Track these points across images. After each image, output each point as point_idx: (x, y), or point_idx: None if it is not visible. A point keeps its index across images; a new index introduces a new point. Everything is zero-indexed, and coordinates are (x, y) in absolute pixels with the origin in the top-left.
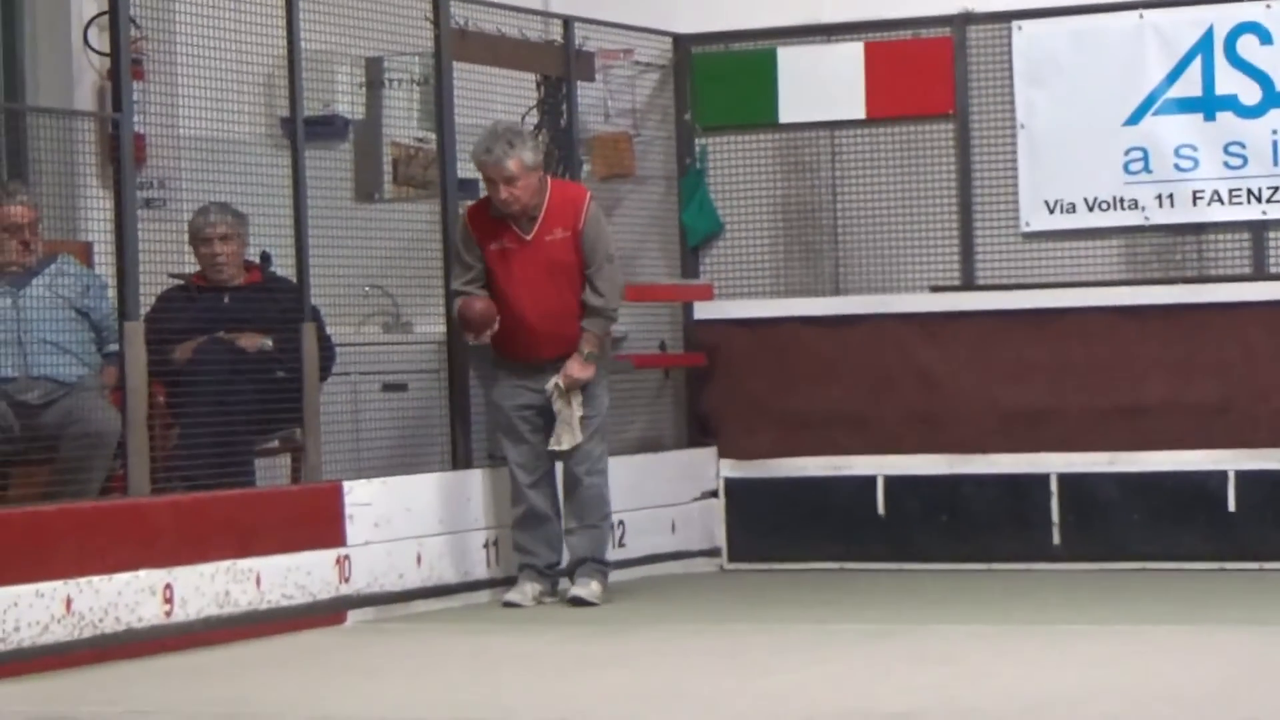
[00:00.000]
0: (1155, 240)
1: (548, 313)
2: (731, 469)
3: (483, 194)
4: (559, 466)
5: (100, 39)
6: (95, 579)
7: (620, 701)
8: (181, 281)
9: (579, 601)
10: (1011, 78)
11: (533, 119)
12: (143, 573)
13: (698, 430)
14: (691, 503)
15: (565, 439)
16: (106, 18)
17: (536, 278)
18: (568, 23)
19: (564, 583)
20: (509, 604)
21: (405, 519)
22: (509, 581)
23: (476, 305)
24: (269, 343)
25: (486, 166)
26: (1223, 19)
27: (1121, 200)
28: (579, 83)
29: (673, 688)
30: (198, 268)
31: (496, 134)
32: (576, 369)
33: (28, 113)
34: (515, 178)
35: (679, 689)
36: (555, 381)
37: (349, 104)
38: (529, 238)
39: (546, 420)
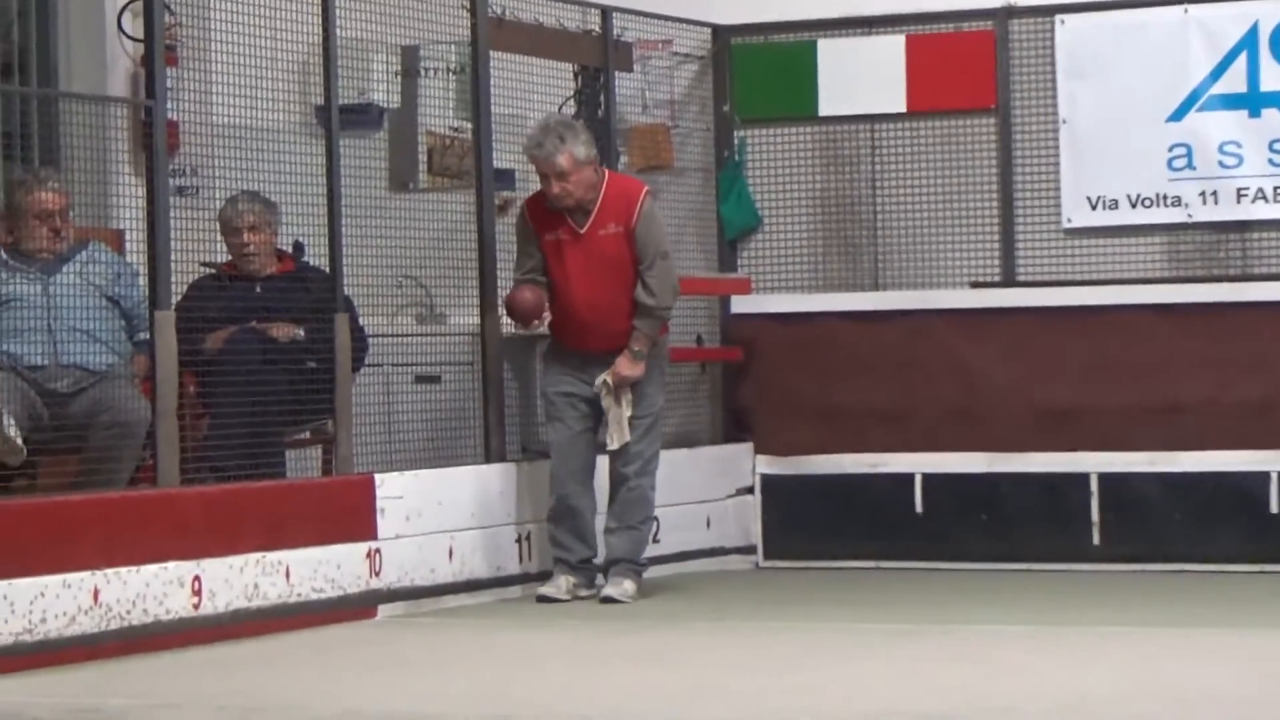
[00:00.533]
0: (1198, 238)
1: (599, 307)
2: (767, 465)
3: (525, 188)
4: (603, 462)
5: (134, 25)
6: (123, 570)
7: (652, 699)
8: (213, 270)
9: (611, 600)
10: (1054, 72)
11: (570, 109)
12: (171, 564)
13: (733, 426)
14: (726, 499)
15: (615, 437)
16: (140, 3)
17: (589, 271)
18: (606, 13)
19: (601, 577)
20: (543, 598)
21: (437, 512)
22: (542, 576)
23: (524, 294)
24: (301, 333)
25: (538, 161)
26: (1268, 15)
27: (1165, 197)
28: (617, 73)
29: (705, 685)
30: (229, 256)
31: (548, 128)
32: (625, 367)
33: (60, 99)
34: (566, 172)
35: (711, 686)
36: (604, 379)
37: (384, 92)
38: (582, 231)
39: (594, 411)
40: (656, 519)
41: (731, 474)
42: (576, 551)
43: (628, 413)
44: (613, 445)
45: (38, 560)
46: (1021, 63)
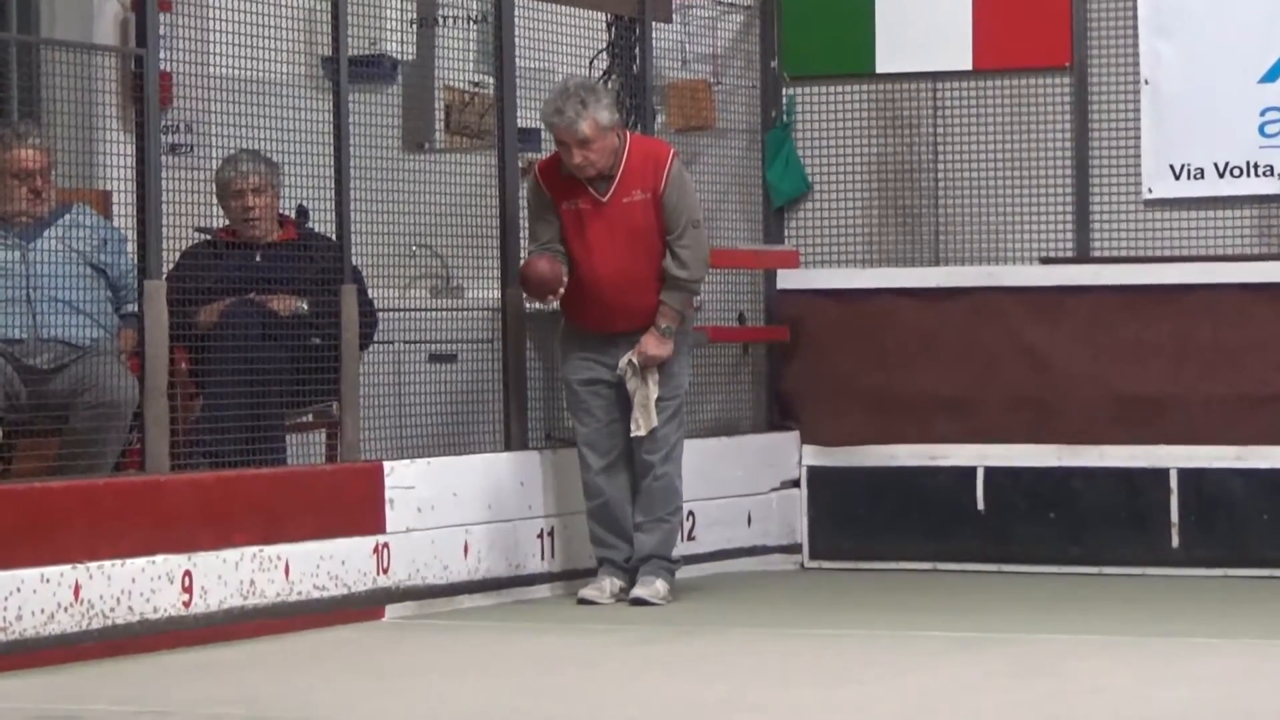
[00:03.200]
0: None
1: (624, 281)
2: (815, 456)
3: (549, 149)
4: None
5: None
6: (107, 564)
7: (684, 711)
8: (208, 237)
9: (640, 602)
10: (1136, 28)
11: (602, 63)
12: (159, 558)
13: (778, 412)
14: (770, 493)
15: (641, 422)
16: None
17: (612, 243)
18: None
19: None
20: (584, 600)
21: (452, 505)
22: (566, 575)
23: (540, 265)
24: (304, 306)
25: (558, 129)
26: None
27: (1256, 166)
28: (654, 24)
29: (743, 697)
30: (226, 221)
31: (568, 92)
32: (653, 345)
33: (42, 46)
34: (590, 140)
35: (750, 698)
36: (629, 359)
37: (398, 43)
38: (605, 199)
39: (621, 398)
40: (693, 512)
41: (776, 465)
42: (622, 549)
43: (654, 394)
44: (640, 431)
45: (13, 552)
46: (1100, 17)
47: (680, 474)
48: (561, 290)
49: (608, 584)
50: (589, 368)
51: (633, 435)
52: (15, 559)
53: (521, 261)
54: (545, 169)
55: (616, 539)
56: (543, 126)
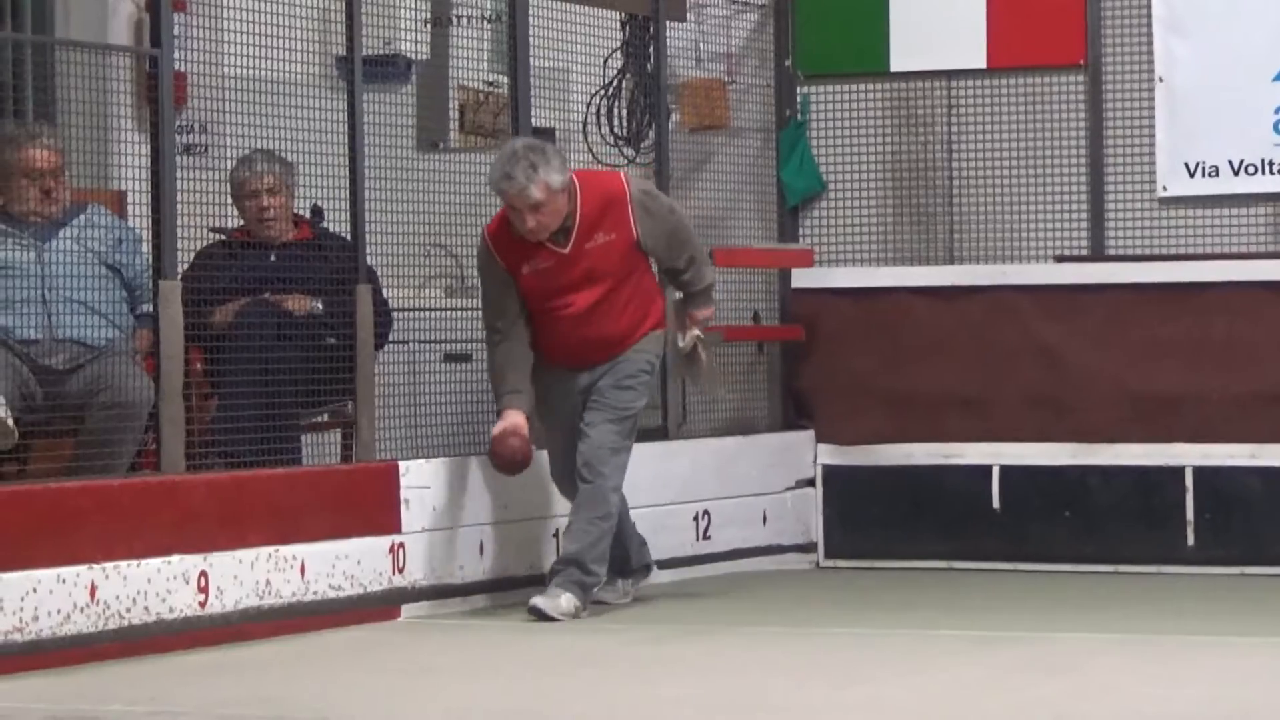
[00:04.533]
0: None
1: (599, 324)
2: (830, 455)
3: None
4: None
5: None
6: (123, 564)
7: (699, 711)
8: (223, 237)
9: (537, 612)
10: (1150, 25)
11: (616, 62)
12: (175, 558)
13: (793, 412)
14: (785, 492)
15: (715, 382)
16: None
17: (580, 288)
18: None
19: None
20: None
21: (468, 504)
22: None
23: (512, 442)
24: (319, 306)
25: (508, 194)
26: None
27: (1270, 163)
28: (668, 22)
29: (757, 697)
30: (241, 222)
31: (516, 155)
32: (705, 311)
33: (56, 46)
34: (541, 204)
35: (764, 698)
36: (695, 334)
37: (412, 43)
38: (566, 251)
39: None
40: (708, 511)
41: (790, 465)
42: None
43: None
44: (718, 389)
45: (29, 552)
46: (1114, 15)
47: (619, 485)
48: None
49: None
50: (573, 397)
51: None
52: (31, 559)
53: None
54: (495, 234)
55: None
56: (558, 125)
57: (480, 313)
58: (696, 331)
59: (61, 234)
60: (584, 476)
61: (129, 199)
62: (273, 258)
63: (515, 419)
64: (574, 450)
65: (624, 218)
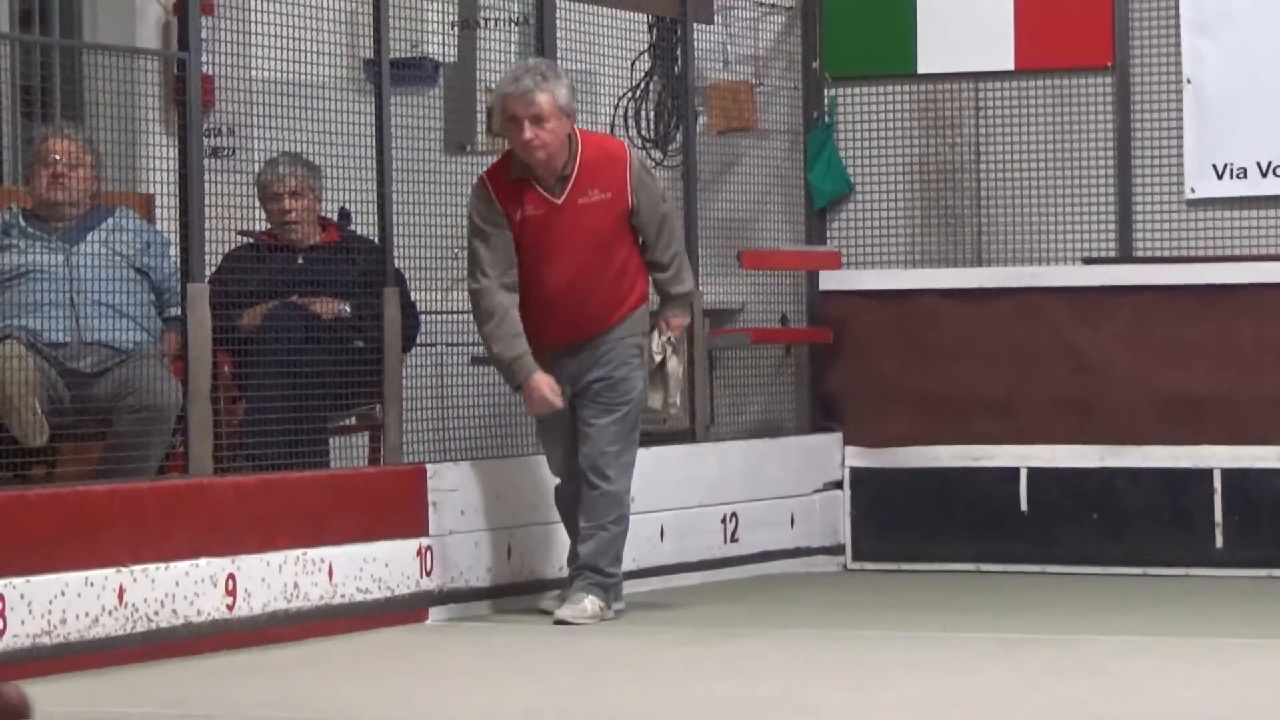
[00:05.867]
0: None
1: (579, 291)
2: (858, 457)
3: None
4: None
5: None
6: (151, 567)
7: (727, 713)
8: (251, 240)
9: (564, 623)
10: (1178, 27)
11: (644, 65)
12: (203, 561)
13: (821, 414)
14: (813, 494)
15: (678, 399)
16: None
17: (567, 250)
18: None
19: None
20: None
21: (495, 507)
22: None
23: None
24: (347, 309)
25: (512, 100)
26: None
27: None
28: (696, 25)
29: (786, 699)
30: (268, 225)
31: (526, 66)
32: (682, 317)
33: (85, 50)
34: (544, 117)
35: (792, 700)
36: (668, 339)
37: (440, 45)
38: (559, 201)
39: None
40: (736, 514)
41: (818, 467)
42: None
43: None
44: (675, 410)
45: (58, 556)
46: (1142, 16)
47: (629, 485)
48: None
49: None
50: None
51: (671, 414)
52: (60, 562)
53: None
54: (493, 173)
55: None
56: (586, 127)
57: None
58: (670, 336)
59: (90, 237)
60: (591, 481)
61: (157, 202)
62: (300, 261)
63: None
64: (566, 441)
65: (621, 180)
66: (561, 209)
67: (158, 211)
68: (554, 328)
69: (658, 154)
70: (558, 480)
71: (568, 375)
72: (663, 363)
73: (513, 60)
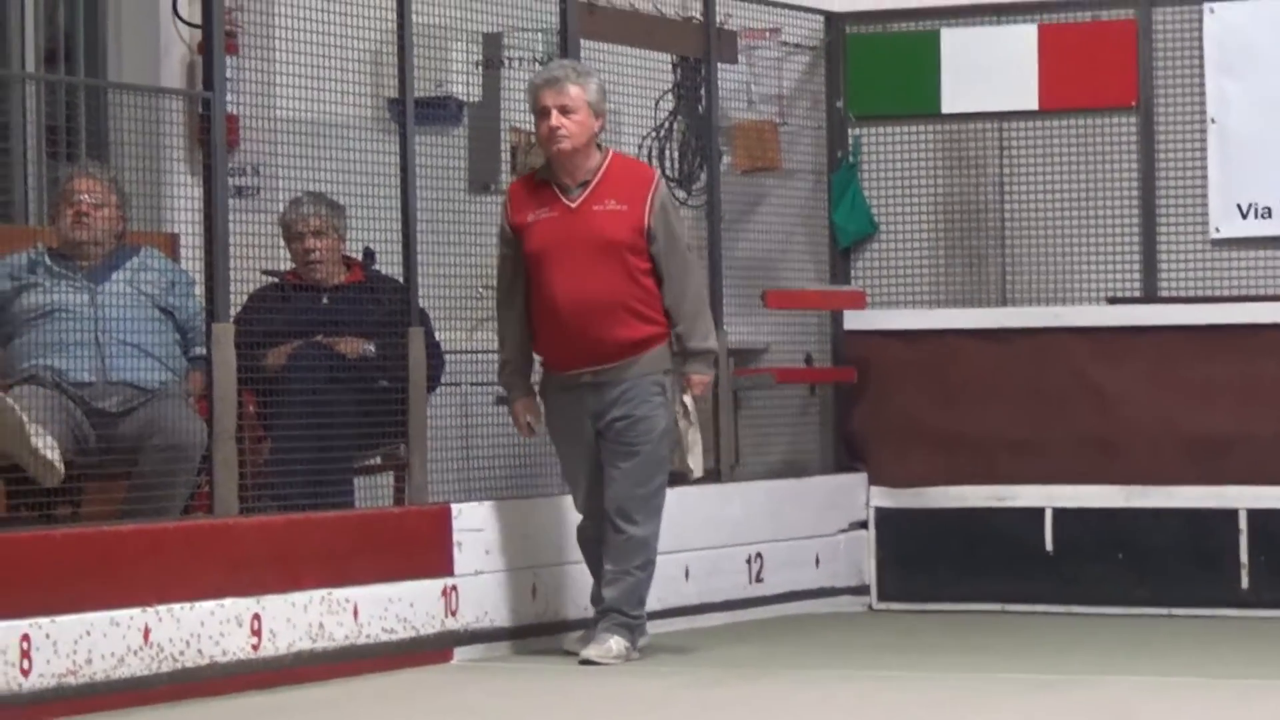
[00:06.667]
0: None
1: (588, 304)
2: (883, 497)
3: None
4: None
5: (190, 9)
6: (176, 607)
7: None
8: (275, 279)
9: (590, 663)
10: (1202, 67)
11: (668, 104)
12: (228, 601)
13: (846, 454)
14: (838, 534)
15: (695, 465)
16: None
17: (576, 257)
18: None
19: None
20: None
21: (520, 547)
22: None
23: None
24: (371, 348)
25: (542, 90)
26: None
27: None
28: (720, 64)
29: None
30: (292, 264)
31: (560, 62)
32: (703, 378)
33: (109, 89)
34: (571, 108)
35: None
36: (684, 403)
37: (464, 84)
38: (574, 205)
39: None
40: (760, 554)
41: (843, 507)
42: None
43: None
44: (698, 473)
45: (84, 595)
46: (1166, 56)
47: (657, 529)
48: None
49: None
50: (567, 431)
51: (690, 479)
52: (85, 602)
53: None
54: (523, 179)
55: None
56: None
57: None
58: (686, 399)
59: (115, 276)
60: (617, 526)
61: (181, 241)
62: (325, 300)
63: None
64: (591, 479)
65: (641, 196)
66: (575, 213)
67: (182, 251)
68: (565, 344)
69: (682, 193)
70: (581, 517)
71: (589, 412)
72: (684, 422)
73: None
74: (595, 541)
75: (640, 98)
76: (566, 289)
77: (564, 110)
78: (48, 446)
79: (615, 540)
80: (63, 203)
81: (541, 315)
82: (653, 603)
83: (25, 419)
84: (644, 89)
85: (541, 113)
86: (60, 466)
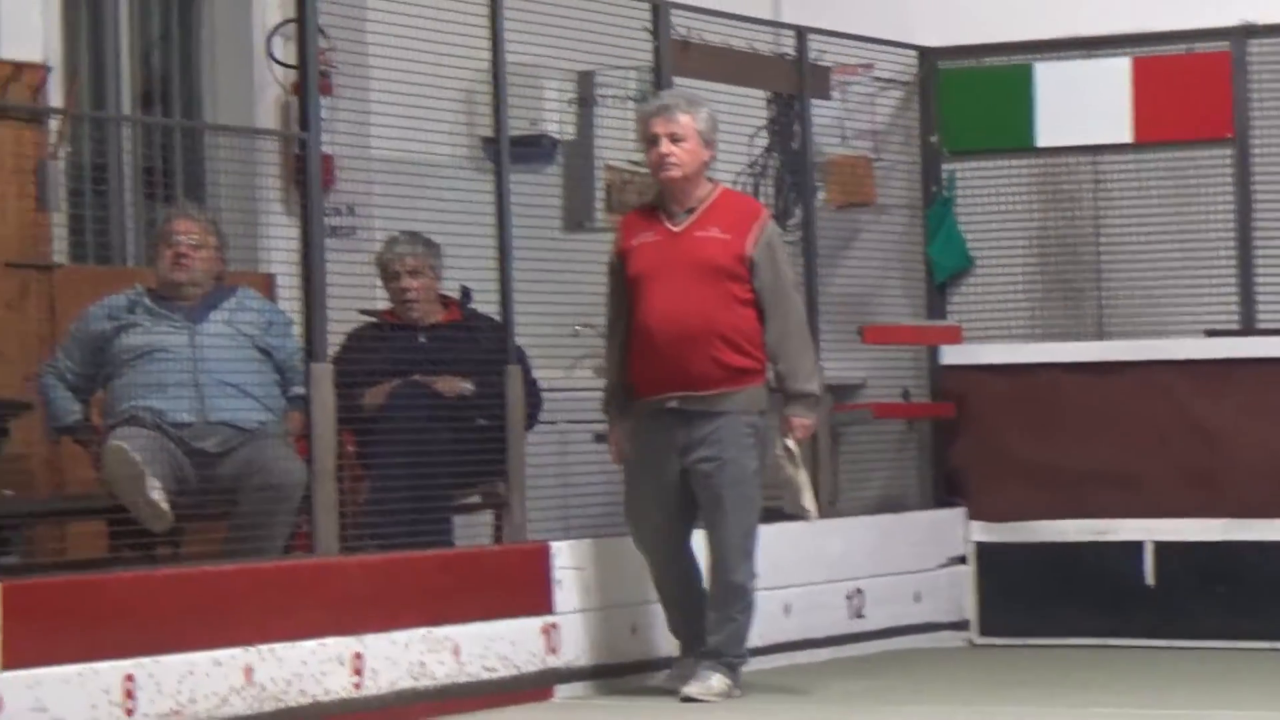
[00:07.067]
0: None
1: (681, 325)
2: (982, 532)
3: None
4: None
5: (285, 50)
6: (278, 646)
7: None
8: (373, 319)
9: (691, 700)
10: None
11: (762, 140)
12: (330, 640)
13: (945, 489)
14: (937, 569)
15: (810, 506)
16: (292, 26)
17: (674, 278)
18: (801, 34)
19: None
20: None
21: (619, 584)
22: None
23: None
24: (469, 387)
25: (652, 118)
26: None
27: None
28: (813, 100)
29: None
30: (390, 304)
31: (675, 92)
32: (806, 421)
33: (206, 131)
34: (681, 135)
35: None
36: (787, 446)
37: (558, 123)
38: (678, 230)
39: (684, 493)
40: (861, 589)
41: (943, 542)
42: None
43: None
44: (815, 514)
45: (186, 635)
46: (1262, 87)
47: (754, 570)
48: None
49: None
50: (653, 457)
51: (813, 519)
52: (188, 642)
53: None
54: (629, 214)
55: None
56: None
57: None
58: (789, 442)
59: (213, 317)
60: (719, 574)
61: (278, 281)
62: (422, 339)
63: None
64: (664, 516)
65: (746, 227)
66: (677, 237)
67: (279, 291)
68: (656, 366)
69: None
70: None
71: (676, 446)
72: (780, 465)
73: (631, 137)
74: (673, 584)
75: (734, 133)
76: (661, 310)
77: (674, 138)
78: (155, 491)
79: (716, 586)
80: (162, 244)
81: (637, 338)
82: (754, 639)
83: (146, 470)
84: (737, 124)
85: (651, 140)
86: (169, 512)
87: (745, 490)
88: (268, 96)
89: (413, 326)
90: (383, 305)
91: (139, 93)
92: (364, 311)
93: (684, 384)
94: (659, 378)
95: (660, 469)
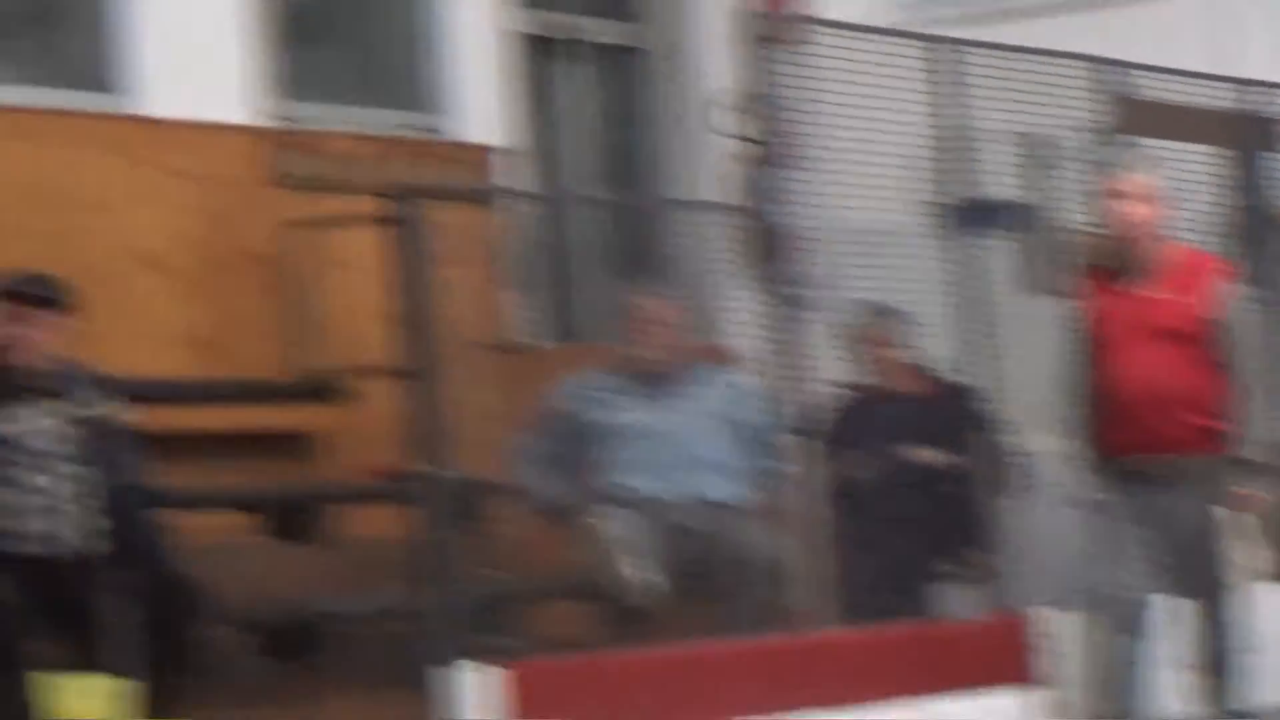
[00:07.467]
0: None
1: (1146, 388)
2: None
3: None
4: None
5: (740, 123)
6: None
7: None
8: (849, 390)
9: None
10: None
11: (1211, 195)
12: (814, 714)
13: None
14: None
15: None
16: (740, 98)
17: (1139, 342)
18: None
19: None
20: None
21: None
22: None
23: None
24: (947, 456)
25: (1115, 178)
26: None
27: None
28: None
29: None
30: (861, 374)
31: (1130, 150)
32: (1244, 489)
33: (669, 207)
34: (1145, 197)
35: None
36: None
37: (1014, 187)
38: (1138, 292)
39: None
40: None
41: None
42: None
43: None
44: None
45: (673, 716)
46: None
47: (1250, 684)
48: None
49: None
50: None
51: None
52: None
53: None
54: (1087, 275)
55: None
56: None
57: None
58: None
59: (684, 393)
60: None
61: (744, 354)
62: (896, 409)
63: None
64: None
65: (1203, 285)
66: (1137, 299)
67: (748, 364)
68: (1121, 429)
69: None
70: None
71: (1135, 512)
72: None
73: (1083, 199)
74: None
75: (1184, 189)
76: (1125, 374)
77: (1132, 197)
78: (630, 568)
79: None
80: (631, 321)
81: (1099, 401)
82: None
83: (622, 548)
84: (1187, 180)
85: (1111, 198)
86: (646, 589)
87: (1225, 589)
88: (725, 171)
89: (889, 397)
90: (850, 377)
91: (587, 170)
92: (836, 383)
93: (1150, 447)
94: (1123, 439)
95: (1120, 540)
